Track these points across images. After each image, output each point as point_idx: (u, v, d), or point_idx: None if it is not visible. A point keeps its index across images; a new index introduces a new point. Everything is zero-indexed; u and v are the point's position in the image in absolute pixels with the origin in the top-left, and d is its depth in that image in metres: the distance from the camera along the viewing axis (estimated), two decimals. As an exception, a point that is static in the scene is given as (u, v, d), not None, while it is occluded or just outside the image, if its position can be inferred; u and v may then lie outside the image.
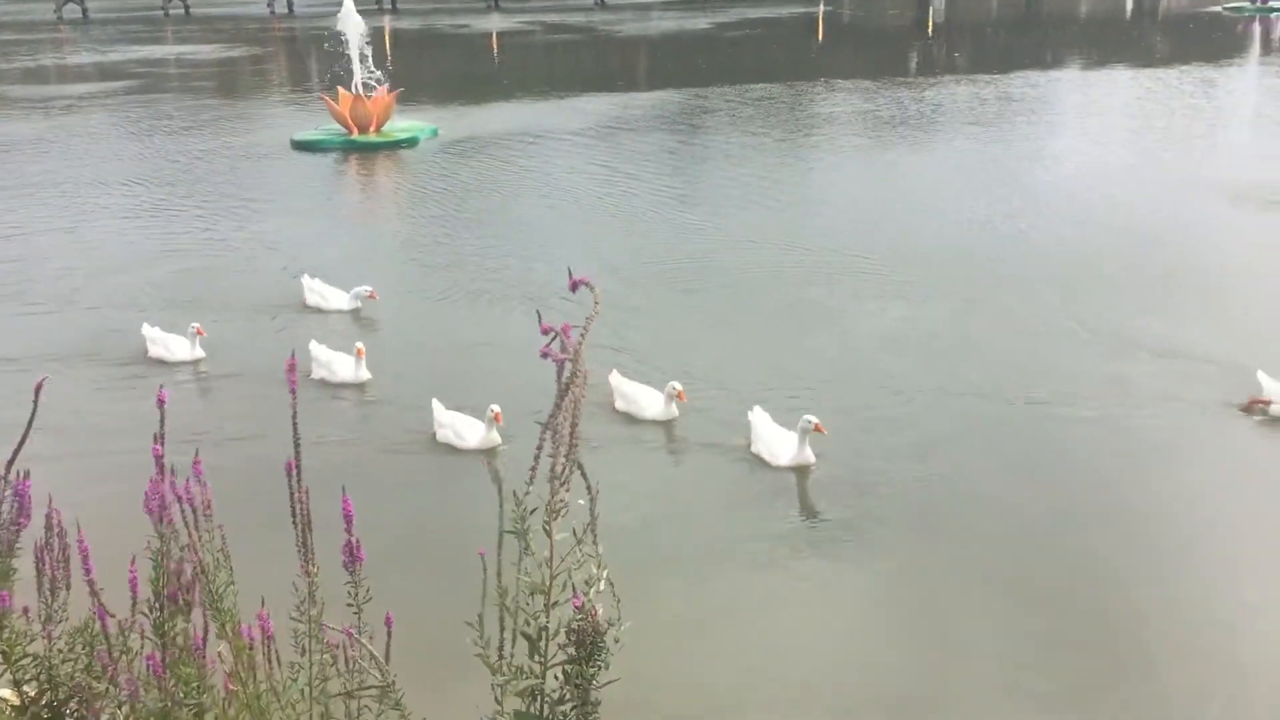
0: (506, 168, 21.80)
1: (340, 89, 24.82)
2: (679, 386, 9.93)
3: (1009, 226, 16.50)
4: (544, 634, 2.62)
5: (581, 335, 2.32)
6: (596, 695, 2.68)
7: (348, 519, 2.98)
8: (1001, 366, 11.31)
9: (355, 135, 24.29)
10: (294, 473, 2.96)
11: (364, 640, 3.24)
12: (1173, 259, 14.61)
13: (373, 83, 24.70)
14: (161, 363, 11.91)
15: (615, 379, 10.49)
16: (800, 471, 9.11)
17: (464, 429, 9.72)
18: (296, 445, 3.02)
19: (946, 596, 7.51)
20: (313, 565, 3.03)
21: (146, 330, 12.22)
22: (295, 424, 2.97)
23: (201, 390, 11.55)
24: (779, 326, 12.77)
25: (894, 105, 27.38)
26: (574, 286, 2.39)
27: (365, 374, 11.20)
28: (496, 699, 3.06)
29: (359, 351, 11.12)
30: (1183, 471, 9.20)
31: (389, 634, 3.16)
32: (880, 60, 38.07)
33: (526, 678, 2.66)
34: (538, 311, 2.69)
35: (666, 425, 10.05)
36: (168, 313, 13.23)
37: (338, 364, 11.26)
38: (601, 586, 2.51)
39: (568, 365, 2.35)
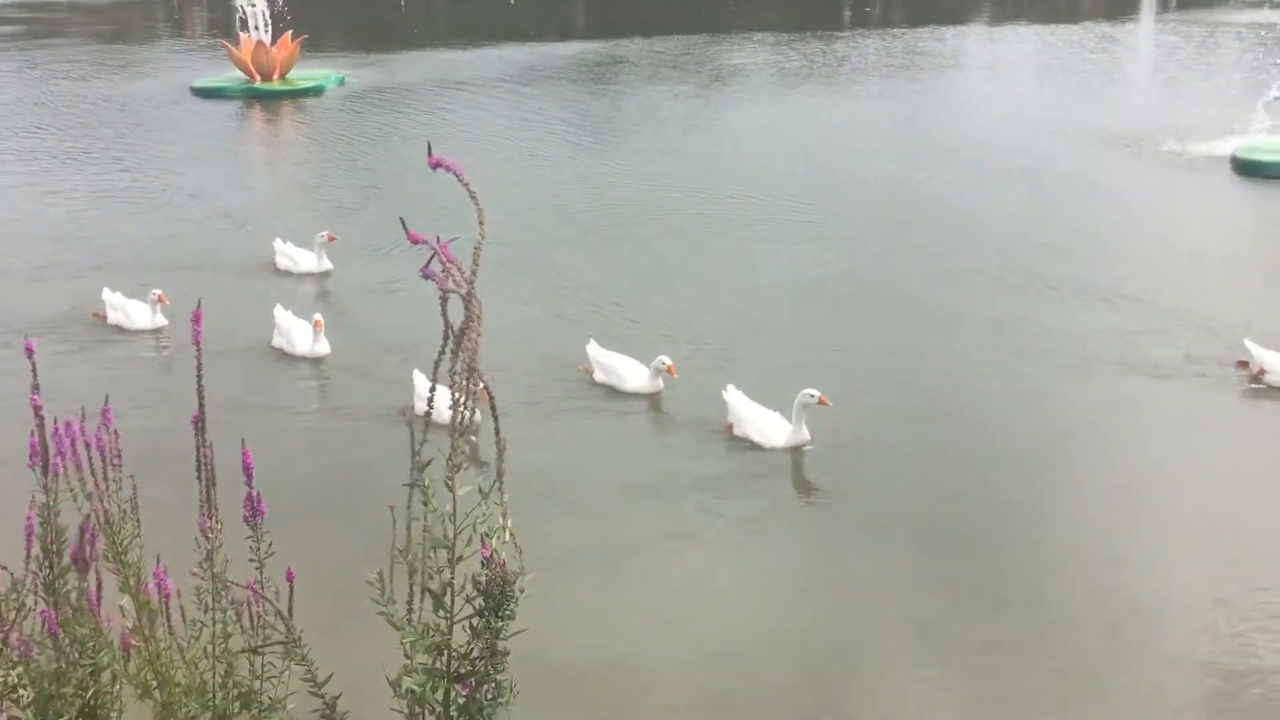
0: (419, 117, 21.41)
1: (242, 35, 24.08)
2: (669, 361, 9.47)
3: (918, 176, 16.71)
4: (449, 589, 2.60)
5: (474, 265, 2.27)
6: (505, 645, 2.68)
7: (248, 472, 2.92)
8: (920, 314, 11.53)
9: (258, 83, 23.62)
10: (199, 426, 2.89)
11: (268, 595, 3.19)
12: (1077, 208, 14.94)
13: (259, 17, 23.71)
14: (120, 330, 11.18)
15: (594, 349, 9.99)
16: (796, 451, 8.67)
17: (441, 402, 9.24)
18: (201, 400, 2.94)
19: (875, 551, 7.59)
20: (216, 521, 2.97)
21: (108, 295, 11.40)
22: (200, 376, 2.89)
23: (162, 362, 10.87)
24: (695, 275, 12.80)
25: (806, 58, 27.44)
26: (435, 165, 2.26)
27: (324, 347, 10.48)
28: (406, 654, 3.04)
29: (317, 324, 10.45)
30: (1099, 418, 9.41)
31: (291, 589, 3.12)
32: (794, 14, 38.06)
33: (433, 634, 2.64)
34: (401, 219, 2.59)
35: (651, 399, 9.63)
36: (123, 275, 12.40)
37: (297, 334, 10.55)
38: (507, 538, 2.49)
39: (464, 301, 2.30)
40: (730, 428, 8.92)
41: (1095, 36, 31.06)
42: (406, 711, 3.16)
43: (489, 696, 2.94)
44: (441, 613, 2.64)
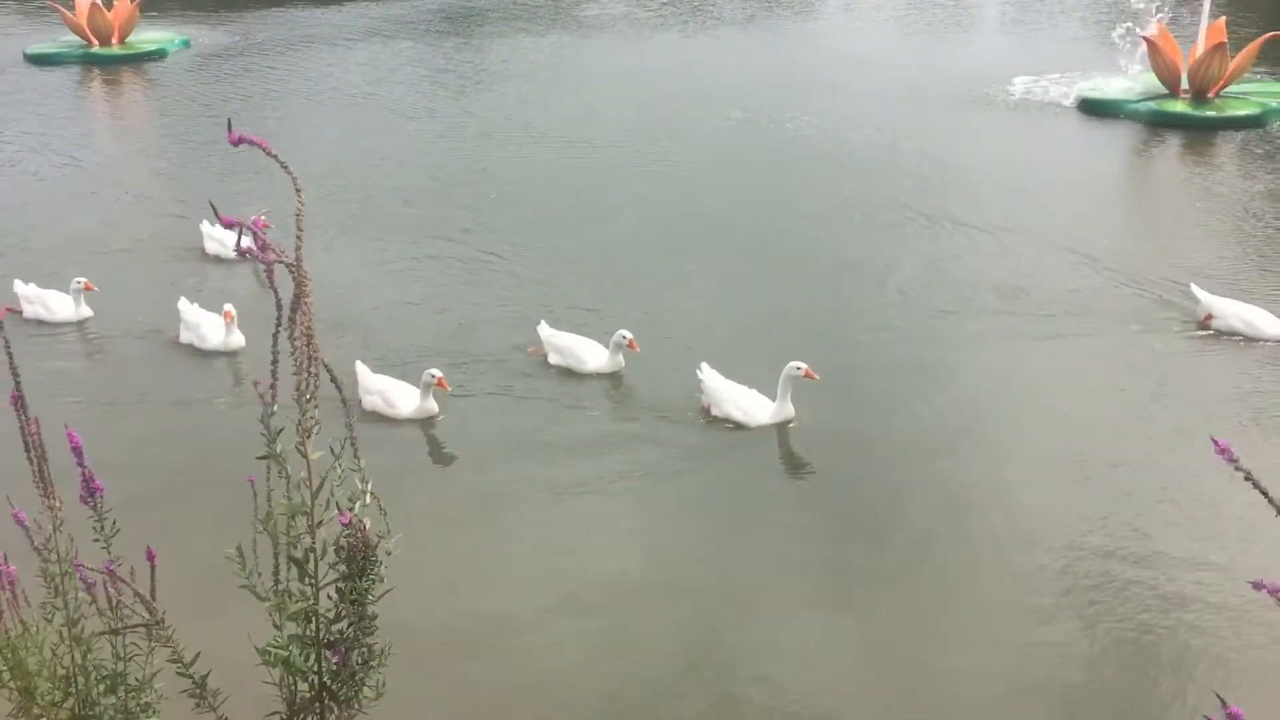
0: (273, 77, 20.67)
1: (75, -3, 22.88)
2: (629, 335, 9.00)
3: (784, 120, 16.86)
4: (311, 555, 2.55)
5: (298, 236, 2.21)
6: (373, 609, 2.65)
7: (77, 452, 2.80)
8: (812, 259, 11.76)
9: (95, 48, 22.48)
10: (19, 404, 2.75)
11: (123, 576, 3.09)
12: (942, 147, 15.28)
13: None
14: (41, 323, 10.36)
15: (544, 330, 9.50)
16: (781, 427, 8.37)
17: (396, 396, 8.67)
18: (15, 376, 2.80)
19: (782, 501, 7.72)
20: (54, 499, 2.84)
21: (20, 288, 10.56)
22: (10, 353, 2.75)
23: (88, 354, 10.15)
24: (573, 231, 12.71)
25: (662, 6, 27.33)
26: (236, 141, 2.20)
27: (238, 340, 9.73)
28: (275, 624, 2.98)
29: (227, 315, 9.67)
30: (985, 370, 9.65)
31: (152, 568, 3.02)
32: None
33: (298, 600, 2.59)
34: (211, 203, 2.52)
35: (612, 378, 9.17)
36: (33, 262, 11.67)
37: (206, 328, 9.81)
38: (367, 500, 2.45)
39: (292, 271, 2.24)
40: (708, 409, 8.55)
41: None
42: (277, 681, 3.11)
43: (360, 661, 2.91)
44: (306, 580, 2.59)
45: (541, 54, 22.40)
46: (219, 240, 11.73)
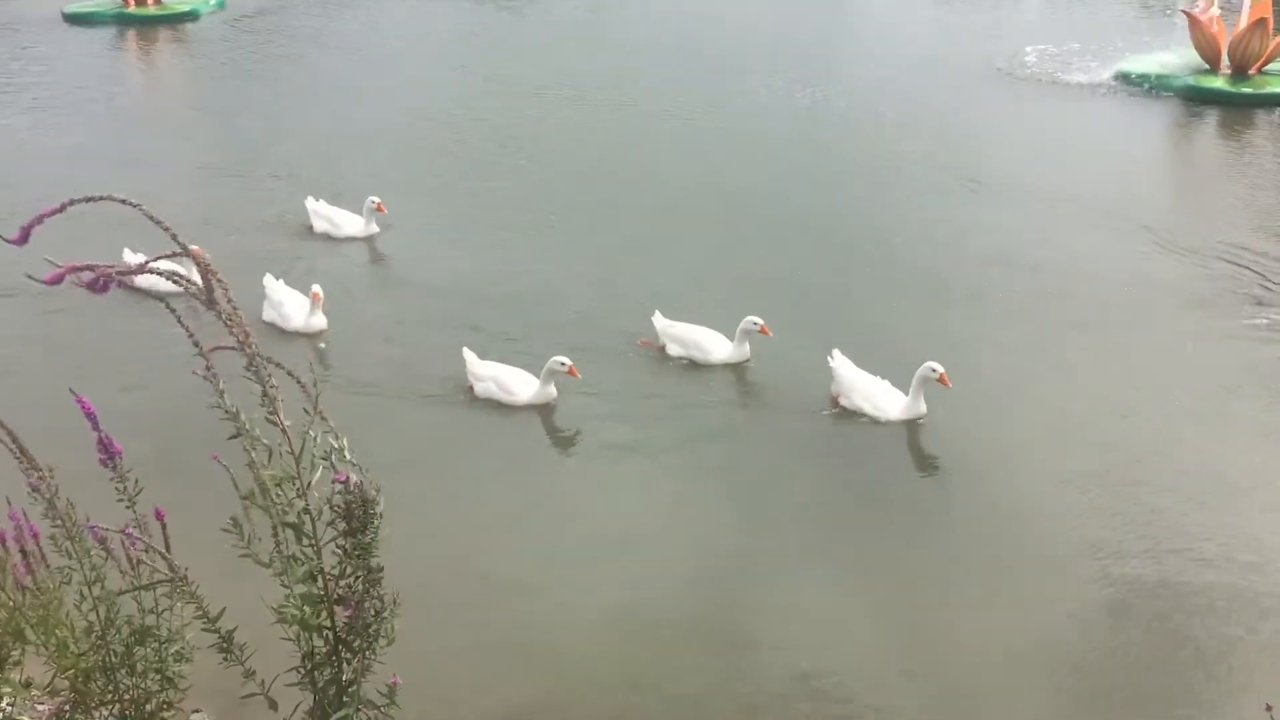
0: (306, 39, 20.73)
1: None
2: (760, 321, 8.58)
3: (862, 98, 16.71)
4: (307, 517, 2.63)
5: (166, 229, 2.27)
6: (378, 561, 2.73)
7: (91, 418, 2.88)
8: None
9: (131, 7, 22.60)
10: None
11: (141, 535, 3.18)
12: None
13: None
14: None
15: (660, 321, 9.00)
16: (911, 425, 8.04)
17: (513, 382, 8.37)
18: None
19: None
20: (48, 470, 2.94)
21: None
22: None
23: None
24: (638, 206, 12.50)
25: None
26: (23, 238, 2.23)
27: (320, 321, 9.44)
28: (284, 585, 3.07)
29: (315, 296, 9.37)
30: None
31: (163, 525, 3.11)
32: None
33: (302, 564, 2.68)
34: (48, 258, 2.53)
35: (738, 369, 8.78)
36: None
37: (290, 307, 9.49)
38: (347, 457, 2.53)
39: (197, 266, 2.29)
40: (837, 399, 8.24)
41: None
42: (294, 637, 3.21)
43: (374, 613, 3.00)
44: (305, 542, 2.67)
45: (580, 10, 22.31)
46: (326, 218, 11.42)
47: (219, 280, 2.33)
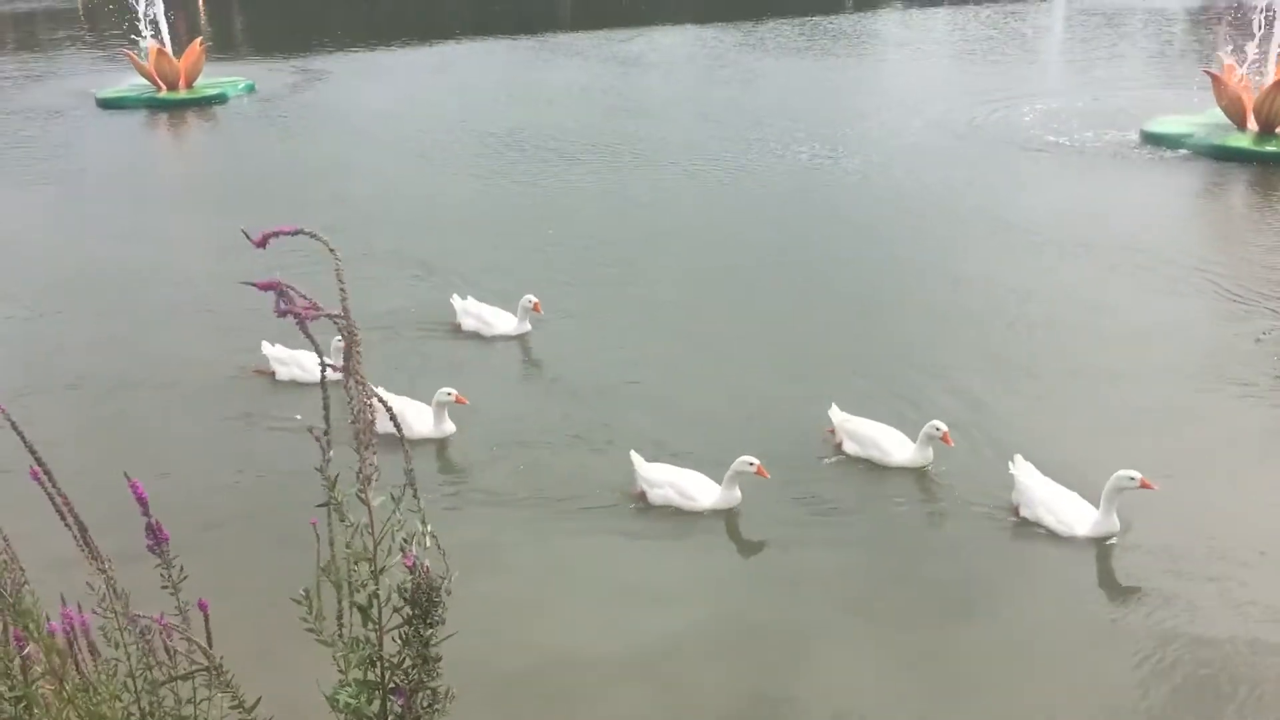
0: (331, 122, 21.06)
1: (148, 43, 23.49)
2: (944, 427, 7.88)
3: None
4: (375, 600, 2.52)
5: (341, 290, 2.20)
6: (437, 651, 2.63)
7: (142, 502, 2.79)
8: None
9: (163, 93, 23.06)
10: (46, 476, 2.78)
11: (180, 624, 3.09)
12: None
13: (146, 37, 23.27)
14: (295, 382, 9.83)
15: (837, 415, 8.43)
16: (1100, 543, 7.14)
17: (692, 487, 7.68)
18: (34, 453, 2.82)
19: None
20: (104, 561, 2.85)
21: (268, 349, 10.02)
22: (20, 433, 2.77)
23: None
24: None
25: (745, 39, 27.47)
26: (263, 242, 2.21)
27: (449, 427, 8.85)
28: (340, 669, 2.96)
29: (458, 399, 8.73)
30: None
31: (205, 616, 3.03)
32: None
33: (364, 646, 2.56)
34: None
35: (917, 474, 8.03)
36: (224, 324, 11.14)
37: (411, 415, 8.80)
38: (428, 543, 2.42)
39: (340, 328, 2.23)
40: (1018, 509, 7.46)
41: (1003, 15, 31.55)
42: (341, 728, 3.08)
43: (425, 704, 2.88)
44: (370, 625, 2.57)
45: (600, 81, 22.62)
46: (476, 316, 10.84)
47: (358, 344, 2.27)
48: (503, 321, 10.75)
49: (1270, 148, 16.04)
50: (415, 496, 2.42)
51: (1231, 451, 8.29)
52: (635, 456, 7.90)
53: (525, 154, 18.02)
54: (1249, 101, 16.60)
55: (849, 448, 8.32)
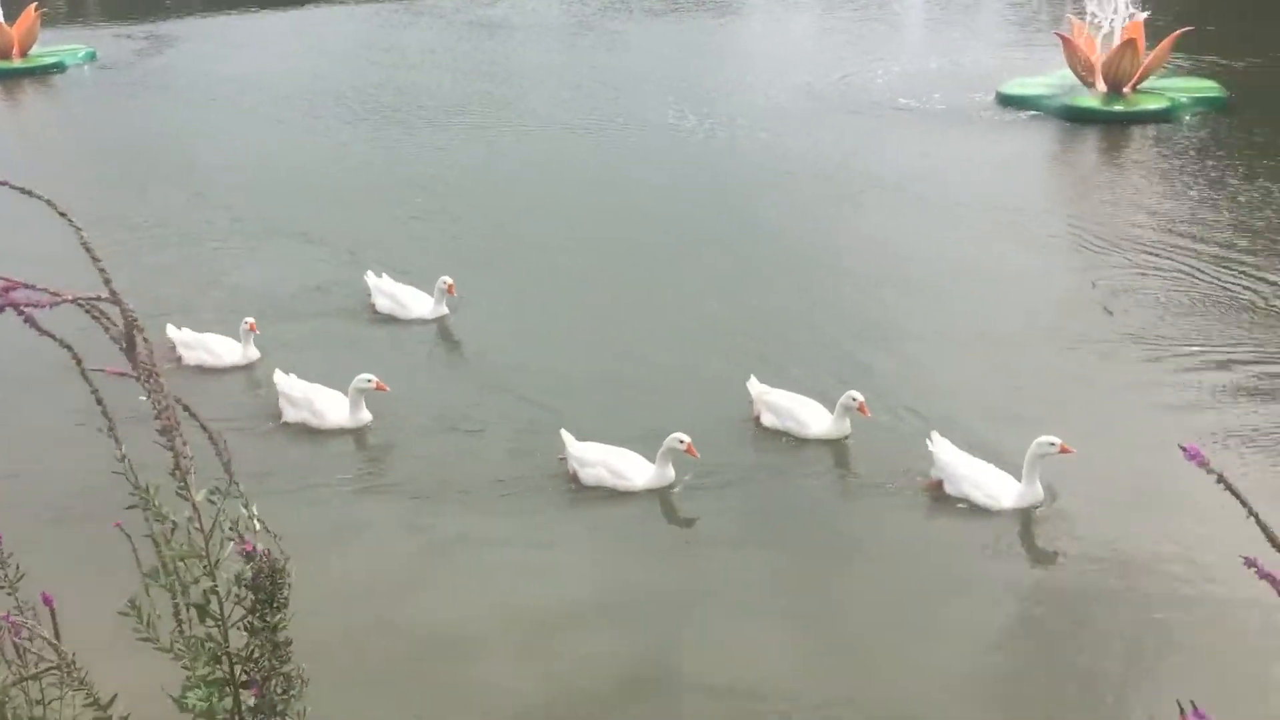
0: (177, 92, 20.20)
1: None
2: (860, 398, 7.87)
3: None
4: (214, 595, 2.41)
5: (99, 267, 2.07)
6: (286, 635, 2.55)
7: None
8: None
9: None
10: None
11: (27, 621, 2.92)
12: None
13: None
14: (202, 368, 9.48)
15: (756, 387, 8.38)
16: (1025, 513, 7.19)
17: (624, 467, 7.58)
18: None
19: None
20: None
21: (174, 333, 9.63)
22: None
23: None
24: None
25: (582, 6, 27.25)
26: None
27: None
28: (186, 669, 2.84)
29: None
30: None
31: (52, 611, 2.86)
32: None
33: (207, 645, 2.44)
34: None
35: (834, 445, 8.06)
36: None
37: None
38: (256, 526, 2.32)
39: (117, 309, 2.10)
40: (939, 485, 7.47)
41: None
42: (195, 725, 2.96)
43: (279, 691, 2.79)
44: (209, 622, 2.45)
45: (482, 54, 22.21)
46: (391, 296, 10.50)
47: (139, 330, 2.11)
48: (418, 304, 10.43)
49: (1118, 107, 16.64)
50: (233, 483, 2.31)
51: (1129, 408, 8.52)
52: (566, 436, 7.71)
53: (391, 120, 17.63)
54: (1097, 63, 17.18)
55: (767, 420, 8.26)
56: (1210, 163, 14.43)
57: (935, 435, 7.57)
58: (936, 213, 12.93)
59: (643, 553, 7.11)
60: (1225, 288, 10.48)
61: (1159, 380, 8.91)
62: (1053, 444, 7.05)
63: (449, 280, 10.19)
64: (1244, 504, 1.95)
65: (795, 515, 7.37)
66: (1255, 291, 10.37)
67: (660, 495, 7.51)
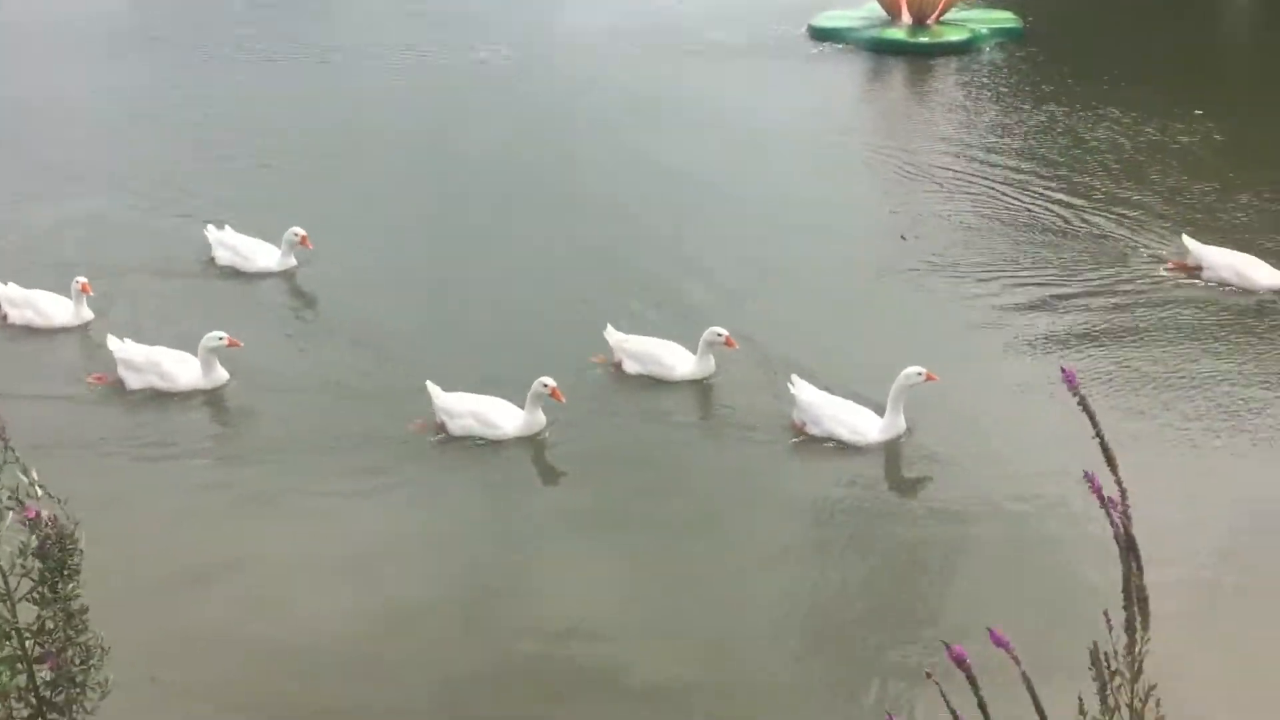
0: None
1: None
2: (725, 333, 7.83)
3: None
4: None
5: None
6: (81, 604, 2.41)
7: None
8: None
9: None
10: None
11: None
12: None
13: None
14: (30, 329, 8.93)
15: (614, 336, 8.26)
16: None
17: (496, 414, 7.42)
18: None
19: None
20: None
21: (3, 290, 9.05)
22: None
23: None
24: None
25: None
26: None
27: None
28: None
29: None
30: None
31: None
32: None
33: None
34: None
35: (701, 386, 8.06)
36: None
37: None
38: (38, 493, 2.17)
39: None
40: (803, 427, 7.48)
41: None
42: (-9, 706, 2.78)
43: (78, 662, 2.65)
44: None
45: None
46: (233, 248, 9.91)
47: None
48: (264, 256, 9.83)
49: (922, 39, 17.13)
50: (8, 449, 2.15)
51: (949, 334, 8.80)
52: (432, 386, 7.50)
53: (203, 57, 16.72)
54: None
55: (630, 367, 8.19)
56: (1005, 90, 15.11)
57: (795, 378, 7.56)
58: (751, 145, 13.11)
59: (499, 499, 7.05)
60: (1028, 210, 11.03)
61: (971, 304, 9.29)
62: (920, 373, 7.09)
63: (301, 231, 9.66)
64: (1095, 426, 2.03)
65: (657, 457, 7.42)
66: (1051, 213, 10.92)
67: (530, 442, 7.41)
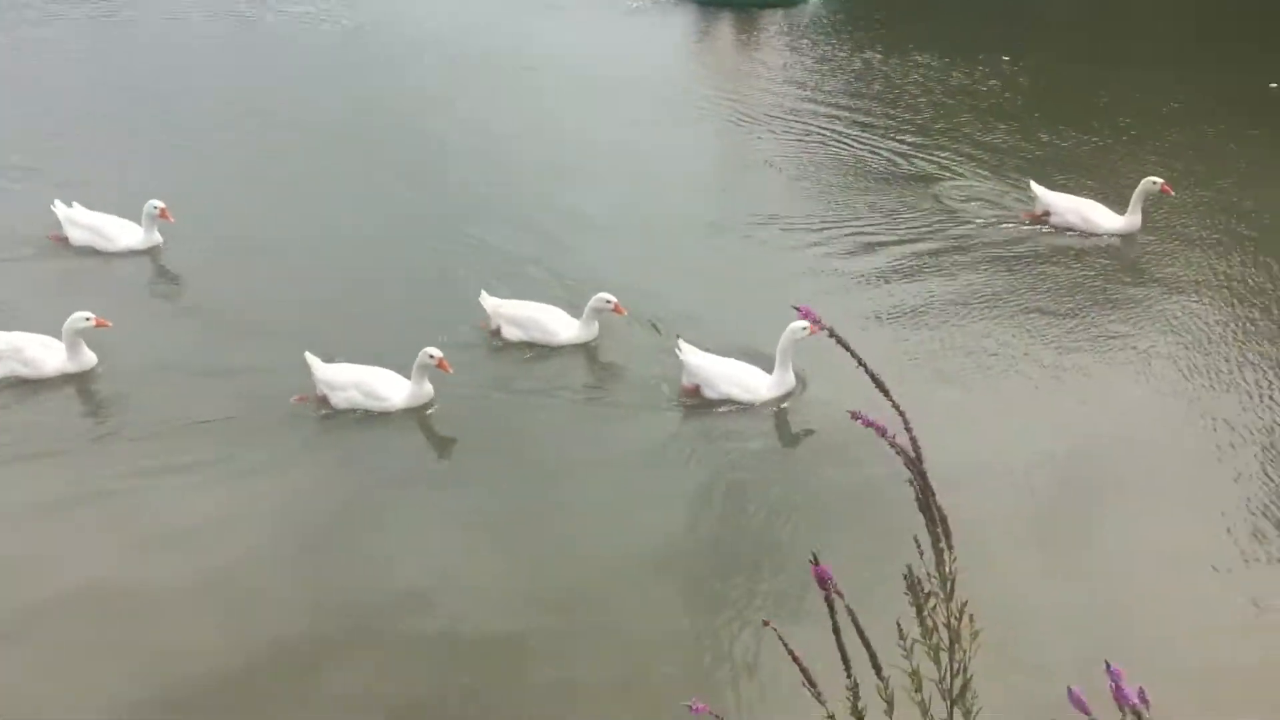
0: None
1: None
2: (613, 299, 7.66)
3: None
4: None
5: None
6: None
7: None
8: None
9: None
10: None
11: None
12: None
13: None
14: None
15: (489, 301, 7.96)
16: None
17: (382, 386, 7.11)
18: None
19: None
20: None
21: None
22: None
23: None
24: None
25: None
26: None
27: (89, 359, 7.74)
28: None
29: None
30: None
31: None
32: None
33: None
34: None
35: (586, 349, 7.84)
36: None
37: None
38: None
39: None
40: (695, 389, 7.30)
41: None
42: None
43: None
44: None
45: None
46: (88, 227, 9.26)
47: None
48: (126, 234, 9.23)
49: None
50: None
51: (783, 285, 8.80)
52: (311, 359, 7.15)
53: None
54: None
55: (510, 333, 7.92)
56: (822, 38, 15.75)
57: (682, 343, 7.43)
58: (587, 97, 13.16)
59: (377, 471, 6.78)
60: (859, 155, 11.40)
61: (809, 251, 9.45)
62: (804, 328, 6.97)
63: (160, 204, 9.07)
64: (854, 356, 2.07)
65: (543, 424, 7.22)
66: (878, 155, 11.35)
67: (416, 414, 7.14)
